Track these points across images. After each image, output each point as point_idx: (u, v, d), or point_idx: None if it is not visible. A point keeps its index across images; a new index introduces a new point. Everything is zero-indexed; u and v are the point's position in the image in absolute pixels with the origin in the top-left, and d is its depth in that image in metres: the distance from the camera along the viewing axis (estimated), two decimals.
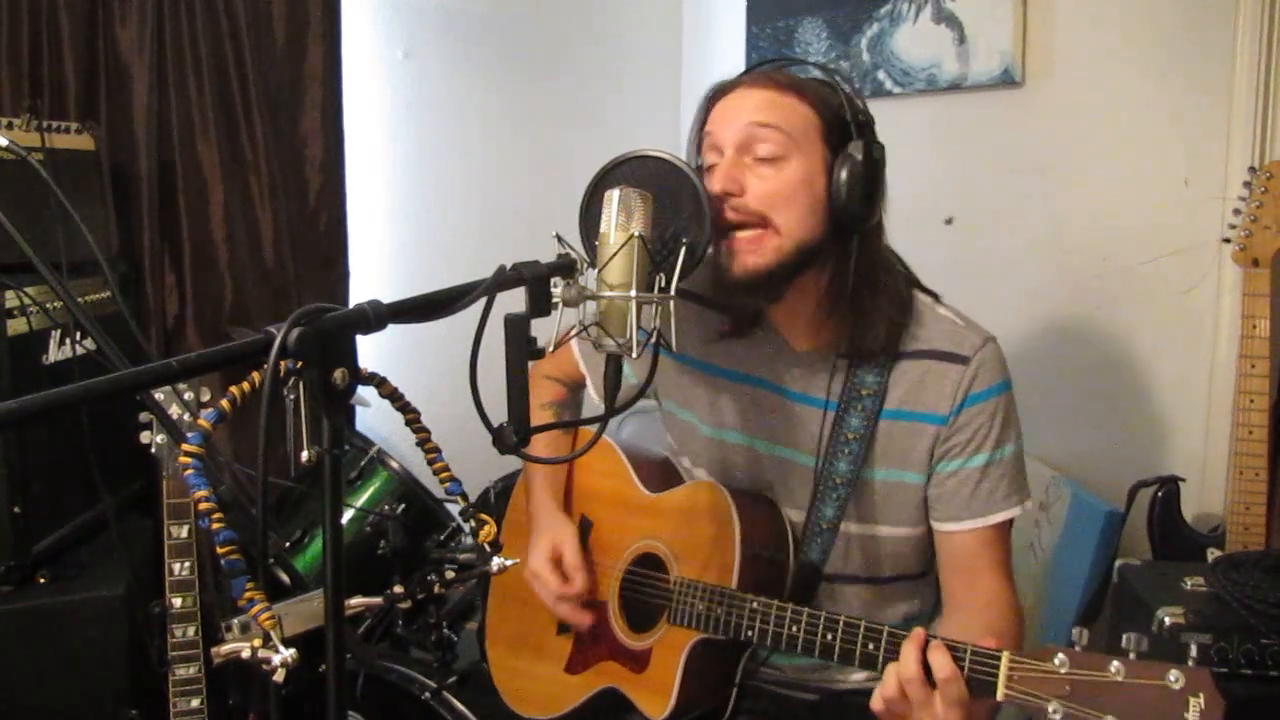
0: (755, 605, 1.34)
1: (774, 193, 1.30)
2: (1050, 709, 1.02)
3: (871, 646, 1.21)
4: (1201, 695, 0.94)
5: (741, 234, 1.30)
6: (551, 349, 1.09)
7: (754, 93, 1.34)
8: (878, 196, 1.34)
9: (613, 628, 1.53)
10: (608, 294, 1.11)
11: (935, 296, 1.46)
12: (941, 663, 1.11)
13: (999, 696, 1.07)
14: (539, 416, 1.68)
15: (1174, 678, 0.95)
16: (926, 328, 1.41)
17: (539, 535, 1.59)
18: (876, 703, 1.18)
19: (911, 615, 1.54)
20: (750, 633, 1.34)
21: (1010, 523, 1.41)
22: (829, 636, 1.26)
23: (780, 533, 1.45)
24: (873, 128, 1.35)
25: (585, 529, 1.62)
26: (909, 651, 1.14)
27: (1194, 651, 1.02)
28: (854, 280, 1.33)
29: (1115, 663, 0.99)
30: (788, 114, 1.32)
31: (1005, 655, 1.07)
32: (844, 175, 1.30)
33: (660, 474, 1.60)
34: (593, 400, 1.68)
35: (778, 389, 1.47)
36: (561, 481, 1.66)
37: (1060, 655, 1.02)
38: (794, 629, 1.29)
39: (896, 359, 1.39)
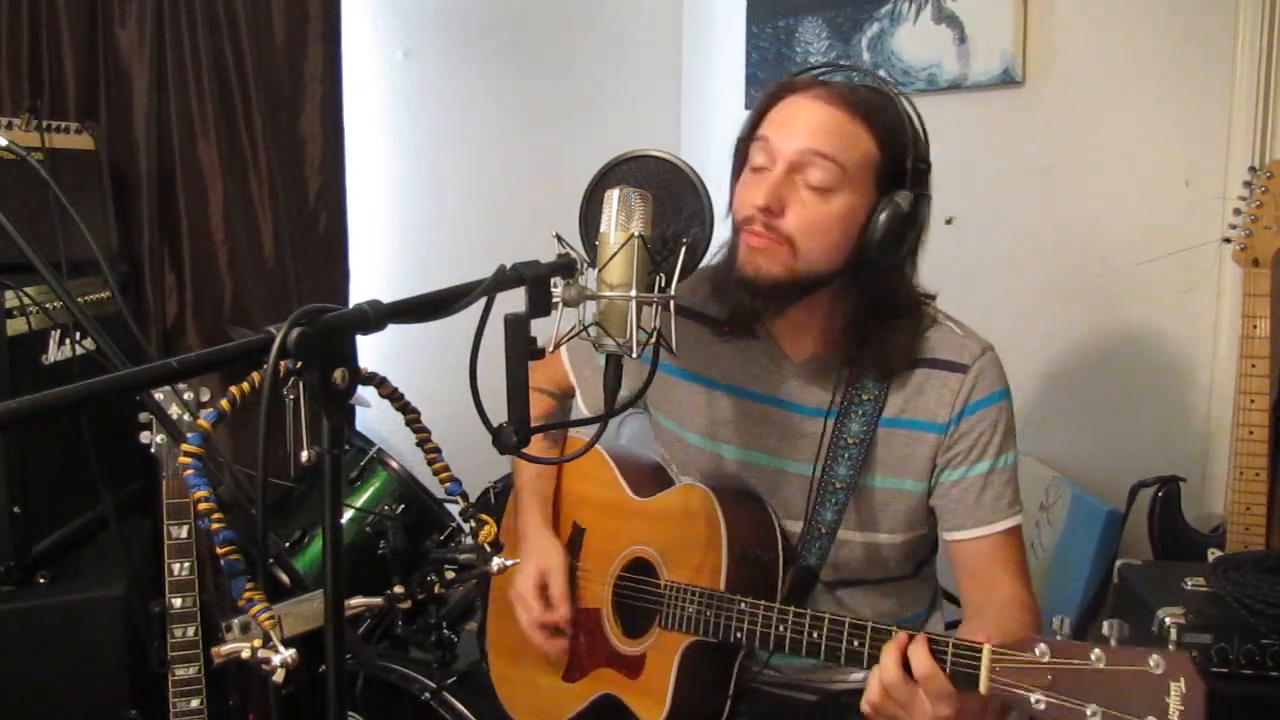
0: (743, 606, 1.33)
1: (812, 223, 1.29)
2: (1033, 699, 1.02)
3: (856, 643, 1.22)
4: (1182, 679, 0.94)
5: (759, 238, 1.30)
6: (551, 349, 1.09)
7: (823, 109, 1.29)
8: (909, 244, 1.33)
9: (607, 634, 1.53)
10: (608, 294, 1.11)
11: (932, 297, 1.45)
12: (920, 659, 1.12)
13: (982, 689, 1.07)
14: None
15: (1154, 663, 0.95)
16: (928, 337, 1.40)
17: (526, 558, 1.59)
18: (865, 706, 1.18)
19: (906, 616, 1.54)
20: (739, 634, 1.34)
21: (1019, 528, 1.40)
22: (815, 635, 1.26)
23: (768, 533, 1.45)
24: (929, 176, 1.33)
25: (578, 535, 1.62)
26: (888, 654, 1.15)
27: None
28: (863, 311, 1.34)
29: (1096, 650, 0.99)
30: (850, 146, 1.28)
31: (987, 648, 1.07)
32: (882, 220, 1.29)
33: (649, 478, 1.60)
34: (581, 411, 1.65)
35: (776, 401, 1.46)
36: (549, 496, 1.66)
37: (1041, 645, 1.02)
38: (781, 628, 1.29)
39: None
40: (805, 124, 1.30)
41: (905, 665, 1.13)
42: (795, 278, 1.30)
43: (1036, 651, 1.02)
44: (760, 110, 1.36)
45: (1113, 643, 0.99)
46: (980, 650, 1.08)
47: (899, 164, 1.30)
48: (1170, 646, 0.96)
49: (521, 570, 1.58)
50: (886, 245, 1.30)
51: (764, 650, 1.36)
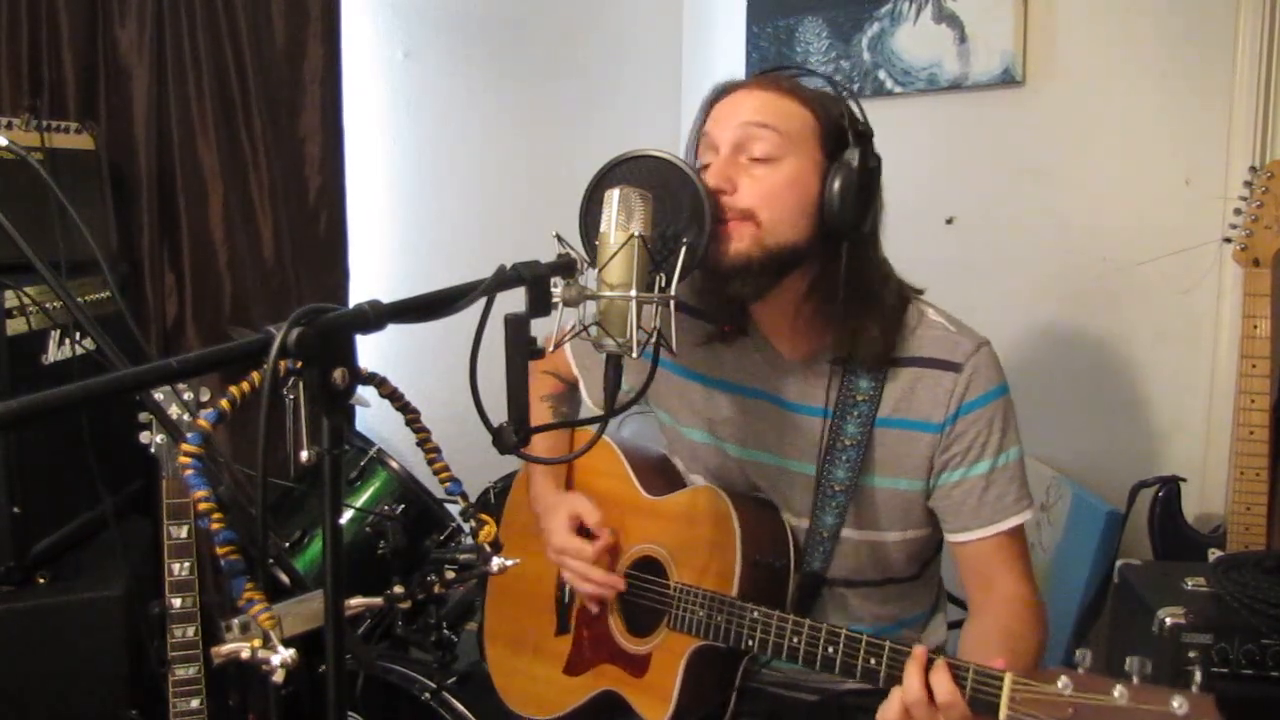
0: (755, 615, 1.33)
1: (764, 191, 1.30)
2: None
3: (874, 661, 1.21)
4: None
5: (726, 225, 1.30)
6: (551, 349, 1.09)
7: (753, 94, 1.35)
8: (871, 206, 1.33)
9: (612, 630, 1.53)
10: (608, 294, 1.11)
11: (920, 292, 1.44)
12: (942, 686, 1.11)
13: (1001, 717, 1.06)
14: (536, 409, 1.67)
15: (1178, 704, 0.93)
16: (918, 335, 1.40)
17: (553, 513, 1.56)
18: None
19: (909, 617, 1.54)
20: (750, 642, 1.33)
21: (1022, 526, 1.40)
22: (830, 650, 1.25)
23: (781, 540, 1.45)
24: (871, 140, 1.35)
25: (585, 530, 1.62)
26: (912, 673, 1.13)
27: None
28: (839, 296, 1.32)
29: (1119, 687, 0.97)
30: (785, 116, 1.32)
31: (1008, 676, 1.06)
32: (837, 182, 1.29)
33: (661, 476, 1.60)
34: (586, 404, 1.66)
35: (773, 398, 1.46)
36: (561, 476, 1.66)
37: (1063, 678, 1.01)
38: (794, 640, 1.29)
39: (889, 365, 1.39)
40: (739, 107, 1.34)
41: (926, 687, 1.12)
42: (767, 252, 1.29)
43: (1059, 684, 1.01)
44: (700, 121, 1.39)
45: (1135, 680, 0.97)
46: (1001, 678, 1.07)
47: (839, 129, 1.32)
48: (1194, 688, 0.94)
49: (553, 527, 1.54)
50: (846, 207, 1.29)
51: (775, 658, 1.36)
